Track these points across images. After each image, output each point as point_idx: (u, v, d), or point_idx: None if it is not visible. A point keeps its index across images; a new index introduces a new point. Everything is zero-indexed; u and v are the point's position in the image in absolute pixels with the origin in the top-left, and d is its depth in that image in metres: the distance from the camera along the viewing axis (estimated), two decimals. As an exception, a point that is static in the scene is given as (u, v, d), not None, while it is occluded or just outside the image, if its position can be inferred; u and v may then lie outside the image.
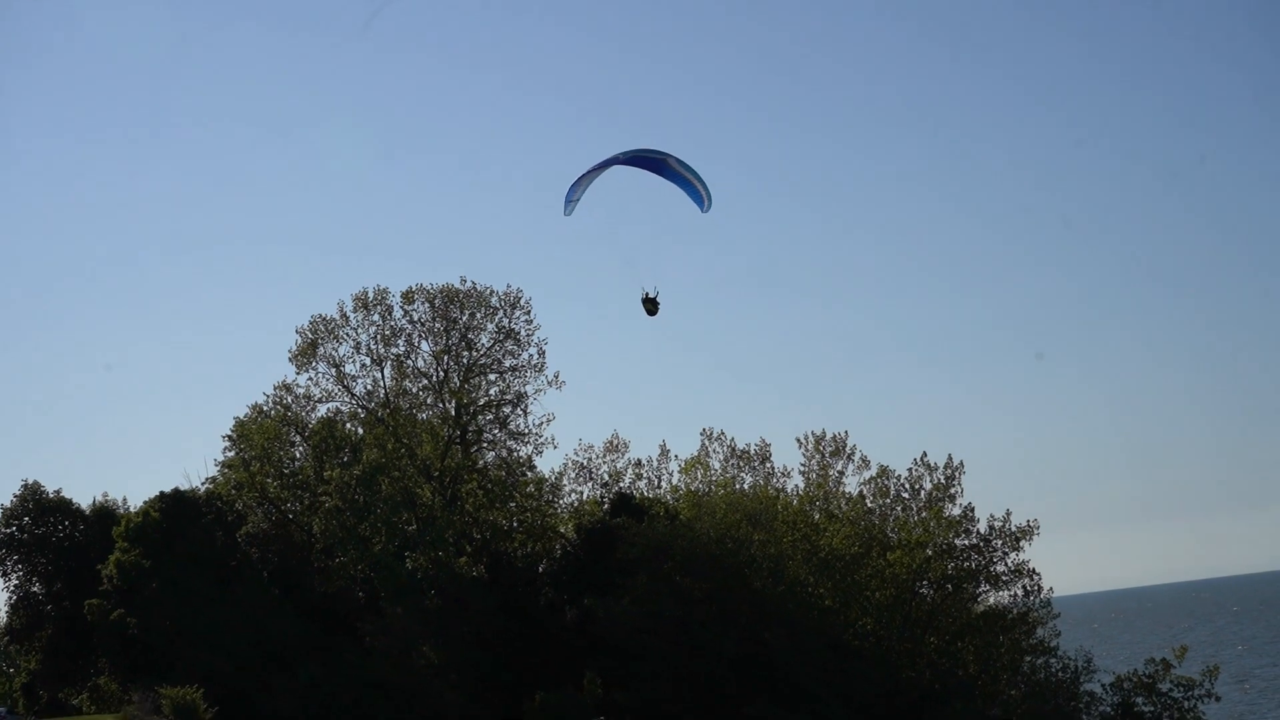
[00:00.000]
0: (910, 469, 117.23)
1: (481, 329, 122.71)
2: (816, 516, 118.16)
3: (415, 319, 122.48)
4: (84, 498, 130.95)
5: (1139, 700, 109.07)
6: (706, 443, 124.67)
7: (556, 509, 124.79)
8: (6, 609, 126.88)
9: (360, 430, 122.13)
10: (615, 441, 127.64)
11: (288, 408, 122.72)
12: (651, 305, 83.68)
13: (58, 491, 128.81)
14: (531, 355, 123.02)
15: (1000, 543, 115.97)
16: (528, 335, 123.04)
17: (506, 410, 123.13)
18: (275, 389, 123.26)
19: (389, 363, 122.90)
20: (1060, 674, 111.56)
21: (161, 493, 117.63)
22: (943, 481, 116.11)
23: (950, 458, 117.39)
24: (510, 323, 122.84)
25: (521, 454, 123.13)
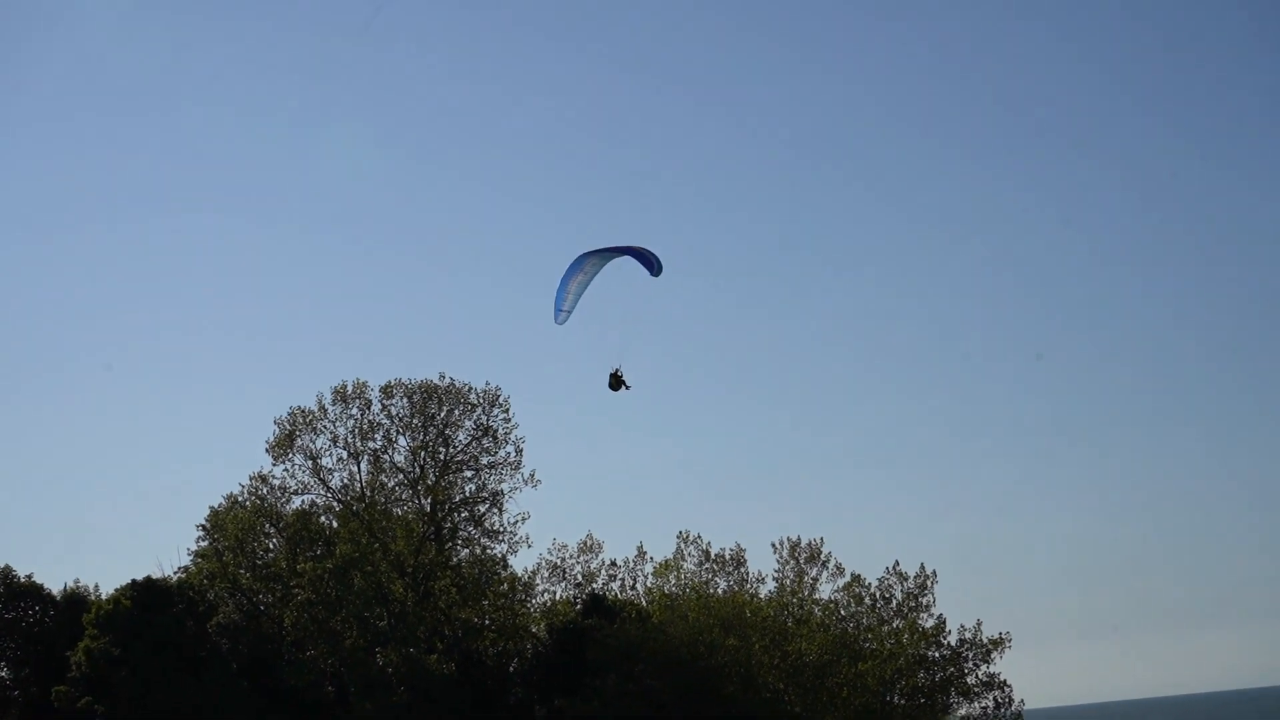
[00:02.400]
0: (882, 578, 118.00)
1: (459, 426, 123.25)
2: (790, 623, 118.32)
3: (393, 414, 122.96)
4: (55, 583, 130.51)
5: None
6: (682, 545, 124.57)
7: (529, 608, 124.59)
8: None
9: (335, 523, 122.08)
10: (590, 542, 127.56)
11: (263, 499, 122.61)
12: (616, 382, 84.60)
13: (29, 576, 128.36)
14: (509, 453, 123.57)
15: (972, 654, 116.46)
16: (505, 433, 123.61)
17: (482, 508, 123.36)
18: (251, 479, 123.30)
19: (366, 457, 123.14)
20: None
21: (133, 580, 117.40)
22: (914, 590, 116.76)
23: (923, 567, 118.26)
24: (488, 420, 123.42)
25: (496, 552, 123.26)
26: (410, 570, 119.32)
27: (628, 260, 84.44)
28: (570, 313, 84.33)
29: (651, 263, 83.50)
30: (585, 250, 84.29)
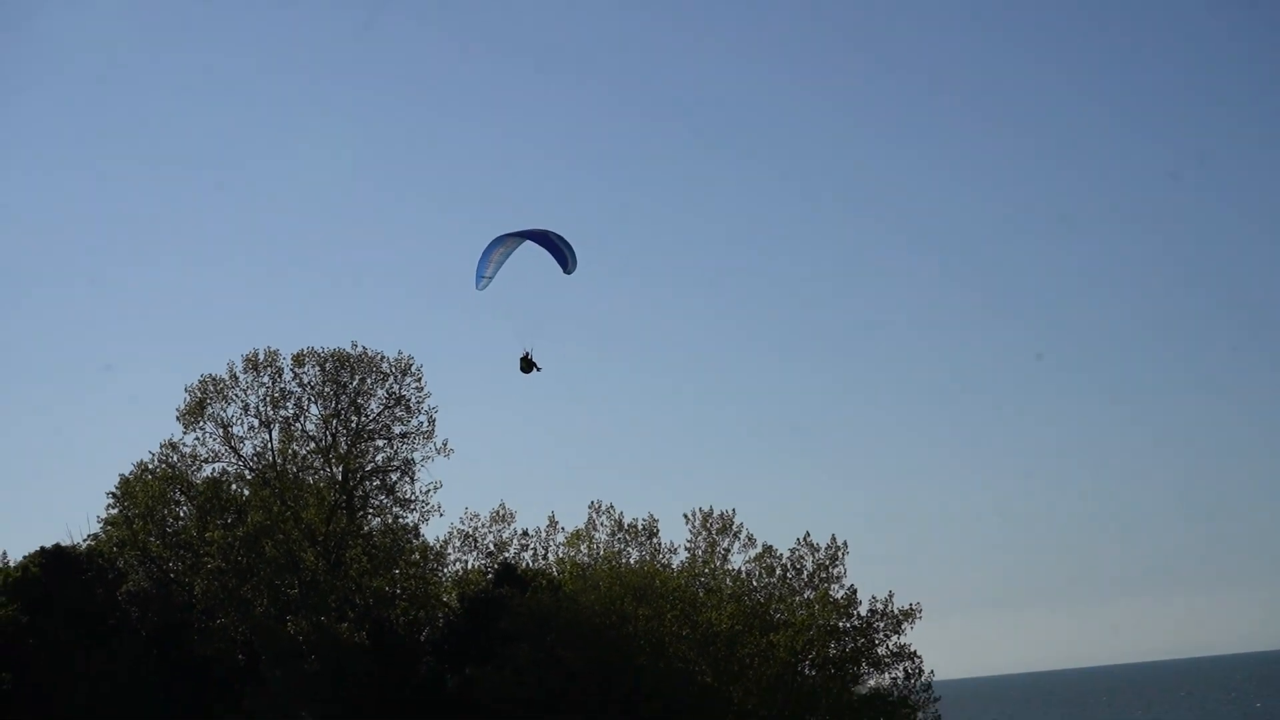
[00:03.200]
0: (793, 548, 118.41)
1: (371, 394, 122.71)
2: (701, 593, 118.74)
3: (305, 382, 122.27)
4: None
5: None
6: (594, 515, 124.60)
7: (440, 577, 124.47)
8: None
9: (246, 492, 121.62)
10: (502, 511, 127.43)
11: (173, 466, 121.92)
12: (527, 364, 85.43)
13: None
14: (421, 422, 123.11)
15: (882, 625, 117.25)
16: (418, 402, 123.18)
17: (394, 477, 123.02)
18: (161, 447, 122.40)
19: (277, 425, 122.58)
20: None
21: (42, 548, 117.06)
22: (825, 561, 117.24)
23: (834, 537, 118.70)
24: (400, 389, 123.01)
25: (408, 521, 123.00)
26: (321, 539, 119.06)
27: (544, 251, 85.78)
28: (491, 279, 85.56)
29: (566, 260, 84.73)
30: (508, 231, 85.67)
